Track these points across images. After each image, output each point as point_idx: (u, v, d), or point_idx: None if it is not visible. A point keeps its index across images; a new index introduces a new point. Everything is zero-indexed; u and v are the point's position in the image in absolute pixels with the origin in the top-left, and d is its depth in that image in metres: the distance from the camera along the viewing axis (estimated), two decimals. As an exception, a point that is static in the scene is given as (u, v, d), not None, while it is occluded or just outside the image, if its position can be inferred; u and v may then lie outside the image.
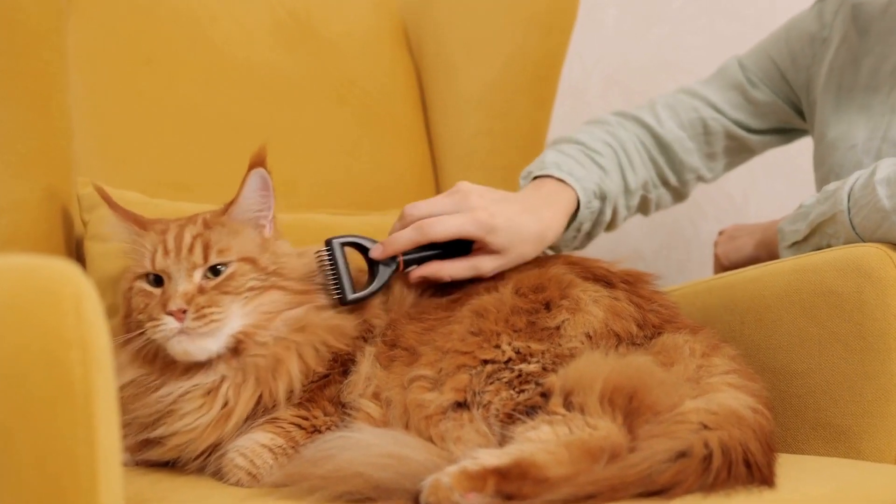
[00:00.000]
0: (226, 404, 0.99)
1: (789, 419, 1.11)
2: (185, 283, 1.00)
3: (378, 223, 1.40)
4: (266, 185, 1.07)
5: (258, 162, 1.05)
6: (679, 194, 1.48)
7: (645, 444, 0.85)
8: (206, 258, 1.01)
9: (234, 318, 1.00)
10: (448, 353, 0.97)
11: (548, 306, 1.01)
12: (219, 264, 1.01)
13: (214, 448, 0.99)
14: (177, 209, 1.24)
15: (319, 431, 0.99)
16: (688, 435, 0.85)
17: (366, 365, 1.02)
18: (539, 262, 1.11)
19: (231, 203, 1.07)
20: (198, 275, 1.01)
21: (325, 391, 1.02)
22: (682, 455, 0.83)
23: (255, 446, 0.97)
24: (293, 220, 1.31)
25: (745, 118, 1.46)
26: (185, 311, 0.97)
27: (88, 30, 1.39)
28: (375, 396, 0.99)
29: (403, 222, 1.11)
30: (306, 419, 1.00)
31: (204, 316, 0.97)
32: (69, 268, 0.70)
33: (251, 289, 1.01)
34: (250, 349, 1.00)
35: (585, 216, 1.30)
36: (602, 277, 1.07)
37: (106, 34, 1.41)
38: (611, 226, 1.40)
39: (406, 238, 1.08)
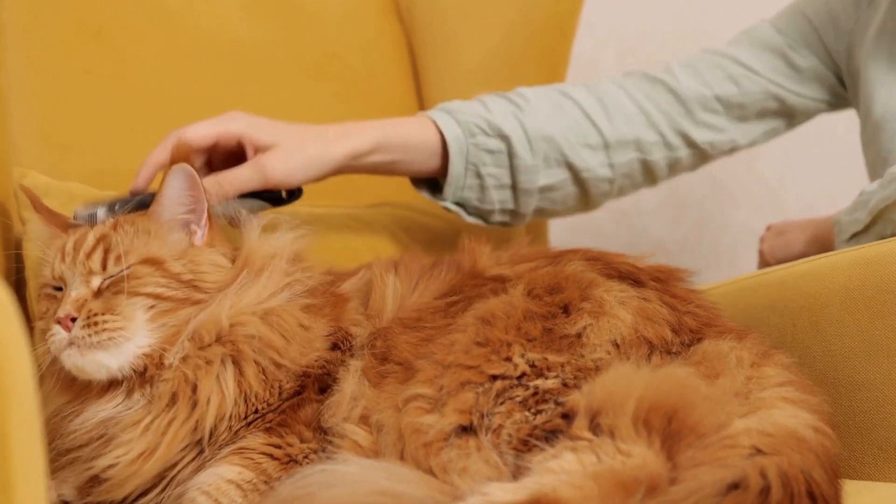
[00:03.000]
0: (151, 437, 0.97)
1: (853, 439, 1.07)
2: (80, 287, 0.98)
3: (367, 217, 1.40)
4: (193, 184, 1.03)
5: (180, 156, 1.02)
6: (705, 157, 1.44)
7: (688, 473, 0.80)
8: (104, 265, 0.99)
9: (141, 332, 0.98)
10: (450, 367, 0.93)
11: (566, 310, 0.97)
12: (122, 272, 0.99)
13: (168, 484, 0.97)
14: (130, 203, 1.21)
15: (296, 462, 0.96)
16: (739, 462, 0.81)
17: (350, 382, 0.99)
18: (553, 258, 1.09)
19: (153, 203, 1.04)
20: (96, 282, 0.99)
21: (299, 413, 0.99)
22: (734, 487, 0.78)
23: (220, 483, 0.94)
24: (268, 215, 1.25)
25: (785, 82, 1.42)
26: (74, 319, 0.96)
27: (27, -3, 1.38)
28: (363, 420, 0.95)
29: None
30: (279, 447, 0.96)
31: (95, 324, 0.95)
32: (-22, 275, 0.63)
33: (156, 296, 0.99)
34: (159, 373, 0.98)
35: (478, 156, 1.28)
36: (628, 275, 1.04)
37: (48, 2, 1.39)
38: (585, 189, 1.35)
39: (157, 150, 1.10)
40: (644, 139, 1.37)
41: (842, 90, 1.44)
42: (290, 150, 1.15)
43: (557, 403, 0.88)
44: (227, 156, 1.18)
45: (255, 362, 0.99)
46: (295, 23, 1.57)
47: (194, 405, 0.97)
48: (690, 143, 1.40)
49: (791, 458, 0.81)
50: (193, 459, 0.97)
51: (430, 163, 1.28)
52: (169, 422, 0.96)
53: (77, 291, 0.98)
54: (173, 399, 0.97)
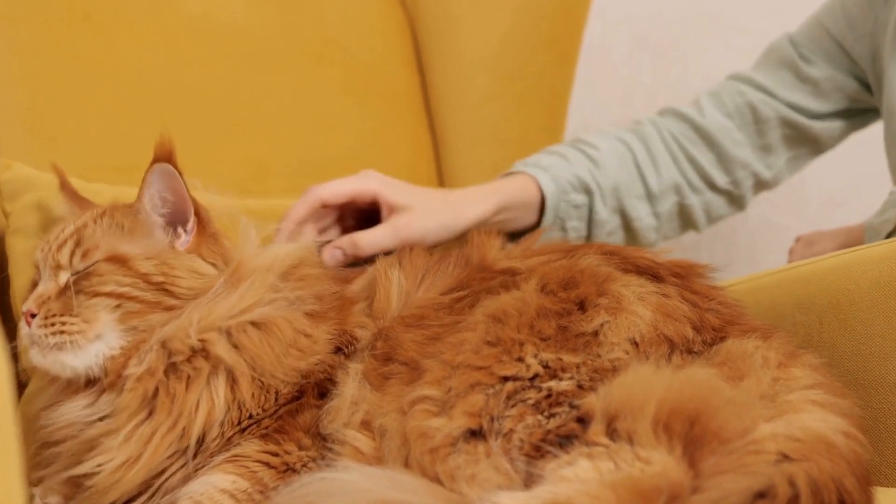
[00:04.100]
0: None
1: (885, 444, 1.05)
2: (48, 282, 1.00)
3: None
4: (174, 185, 1.02)
5: (162, 155, 1.01)
6: (734, 199, 1.48)
7: (712, 482, 0.79)
8: (71, 260, 1.00)
9: (110, 334, 0.98)
10: (458, 367, 0.92)
11: (582, 306, 0.96)
12: (86, 269, 0.99)
13: (156, 492, 0.97)
14: (119, 196, 1.19)
15: (294, 470, 0.95)
16: (766, 469, 0.79)
17: (350, 386, 0.98)
18: (567, 251, 1.08)
19: (135, 200, 1.05)
20: (63, 277, 0.99)
21: (297, 419, 0.98)
22: (760, 496, 0.77)
23: (212, 492, 0.93)
24: (263, 208, 1.29)
25: (803, 100, 1.44)
26: (34, 316, 0.97)
27: (12, -20, 1.37)
28: (365, 425, 0.95)
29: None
30: (276, 455, 0.95)
31: (52, 325, 0.96)
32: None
33: (119, 296, 0.98)
34: (123, 381, 0.97)
35: (566, 210, 1.35)
36: (647, 269, 1.03)
37: (34, -15, 1.39)
38: (634, 238, 1.42)
39: (296, 206, 1.17)
40: (679, 183, 1.43)
41: (867, 96, 1.44)
42: (425, 213, 1.21)
43: (572, 406, 0.87)
44: (357, 212, 1.24)
45: (246, 373, 0.98)
46: (293, 7, 1.56)
47: (178, 415, 0.96)
48: (712, 185, 1.44)
49: (821, 465, 0.79)
50: (182, 467, 0.96)
51: (530, 219, 1.35)
52: (153, 431, 0.95)
53: (44, 286, 0.99)
54: (141, 408, 0.96)
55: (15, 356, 1.09)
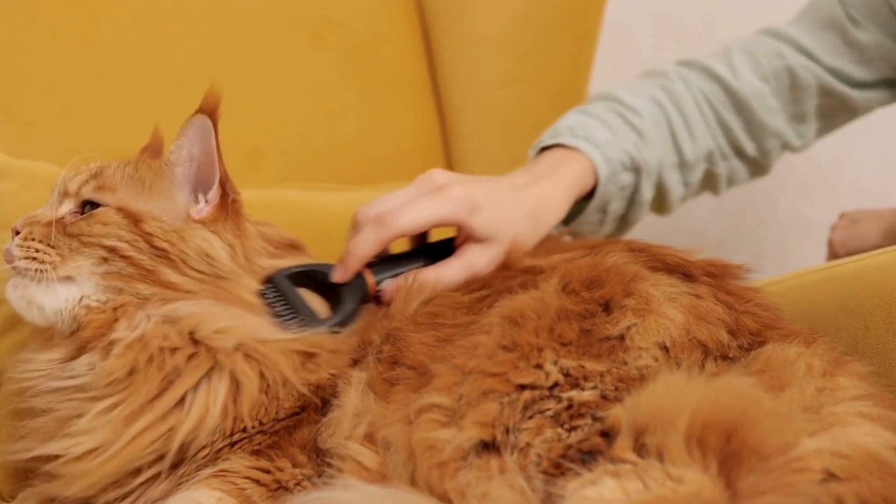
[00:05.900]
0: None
1: None
2: (48, 208, 1.01)
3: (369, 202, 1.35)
4: (205, 144, 1.00)
5: (206, 107, 0.99)
6: (758, 167, 1.46)
7: (751, 503, 0.77)
8: (81, 188, 1.00)
9: (82, 282, 0.97)
10: (471, 373, 0.91)
11: (607, 307, 0.95)
12: (91, 202, 0.99)
13: (136, 499, 0.95)
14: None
15: (286, 489, 0.94)
16: (811, 489, 0.77)
17: (353, 397, 0.96)
18: (593, 248, 1.07)
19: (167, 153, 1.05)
20: (66, 206, 1.01)
21: (294, 435, 0.97)
22: None
23: None
24: (256, 198, 1.26)
25: (846, 66, 1.41)
26: (18, 234, 0.98)
27: (-12, -47, 1.38)
28: (369, 438, 0.93)
29: (358, 229, 1.09)
30: (268, 472, 0.94)
31: (28, 247, 0.96)
32: None
33: (113, 250, 0.97)
34: (110, 347, 0.95)
35: (612, 193, 1.30)
36: (677, 267, 1.02)
37: (9, -43, 1.40)
38: (661, 207, 1.39)
39: (367, 241, 1.06)
40: (711, 151, 1.40)
41: None
42: (503, 245, 1.11)
43: (596, 419, 0.85)
44: None
45: (253, 380, 0.96)
46: (290, -17, 1.58)
47: (162, 410, 0.94)
48: (740, 152, 1.41)
49: (871, 485, 0.78)
50: (162, 474, 0.95)
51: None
52: (131, 418, 0.93)
53: (42, 210, 1.01)
54: (132, 381, 0.94)
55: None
